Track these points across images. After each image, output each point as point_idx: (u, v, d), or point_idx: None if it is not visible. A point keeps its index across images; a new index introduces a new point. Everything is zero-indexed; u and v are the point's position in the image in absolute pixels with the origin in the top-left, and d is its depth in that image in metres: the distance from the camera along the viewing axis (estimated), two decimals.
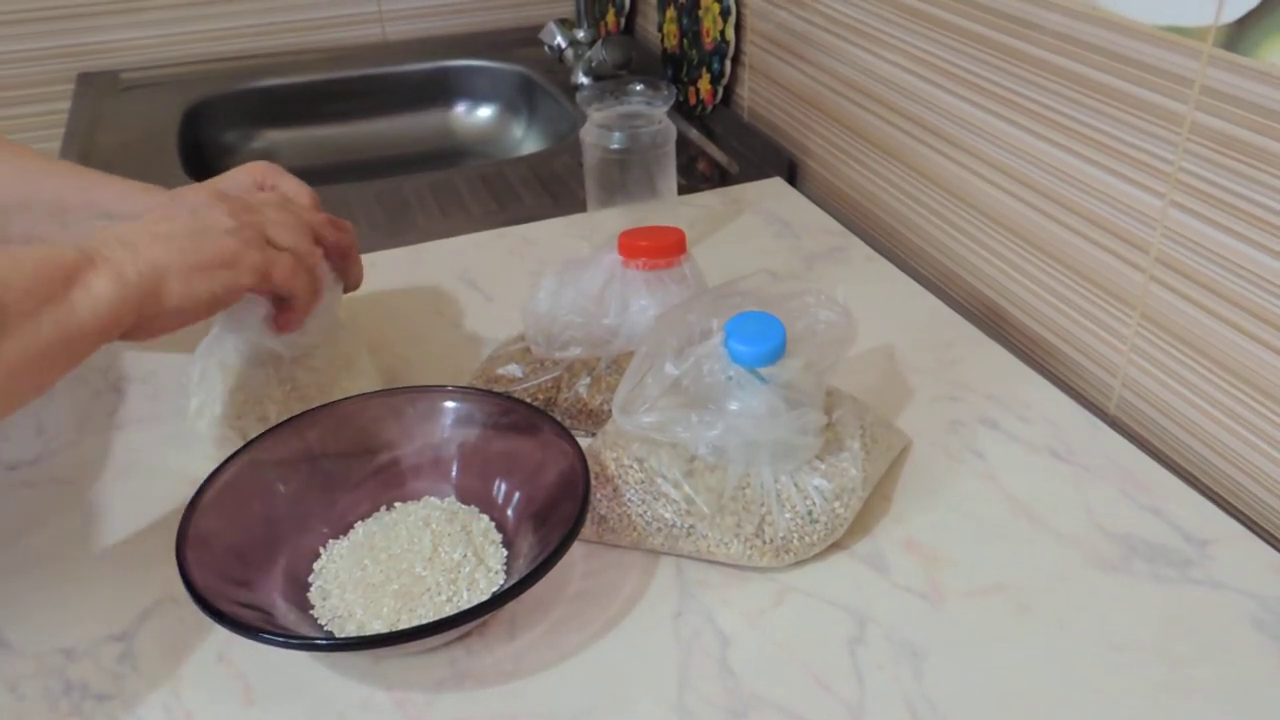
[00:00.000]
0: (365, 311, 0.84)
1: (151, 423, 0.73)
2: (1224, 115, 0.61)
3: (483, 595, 0.56)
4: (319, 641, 0.52)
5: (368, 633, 0.54)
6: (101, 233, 0.56)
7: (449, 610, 0.55)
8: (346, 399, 0.64)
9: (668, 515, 0.59)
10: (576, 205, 1.00)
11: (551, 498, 0.58)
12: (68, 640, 0.56)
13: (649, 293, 0.68)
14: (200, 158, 1.26)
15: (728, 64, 1.17)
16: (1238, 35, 0.59)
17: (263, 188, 0.72)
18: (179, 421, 0.69)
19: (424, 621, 0.54)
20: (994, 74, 0.78)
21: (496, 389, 0.70)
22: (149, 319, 0.56)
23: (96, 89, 1.37)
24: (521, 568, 0.56)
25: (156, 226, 0.58)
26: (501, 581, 0.57)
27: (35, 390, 0.52)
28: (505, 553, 0.59)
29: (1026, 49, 0.75)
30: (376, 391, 0.65)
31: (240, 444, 0.63)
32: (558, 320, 0.68)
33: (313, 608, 0.56)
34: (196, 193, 0.61)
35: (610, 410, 0.62)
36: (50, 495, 0.67)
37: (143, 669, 0.54)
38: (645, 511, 0.59)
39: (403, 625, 0.54)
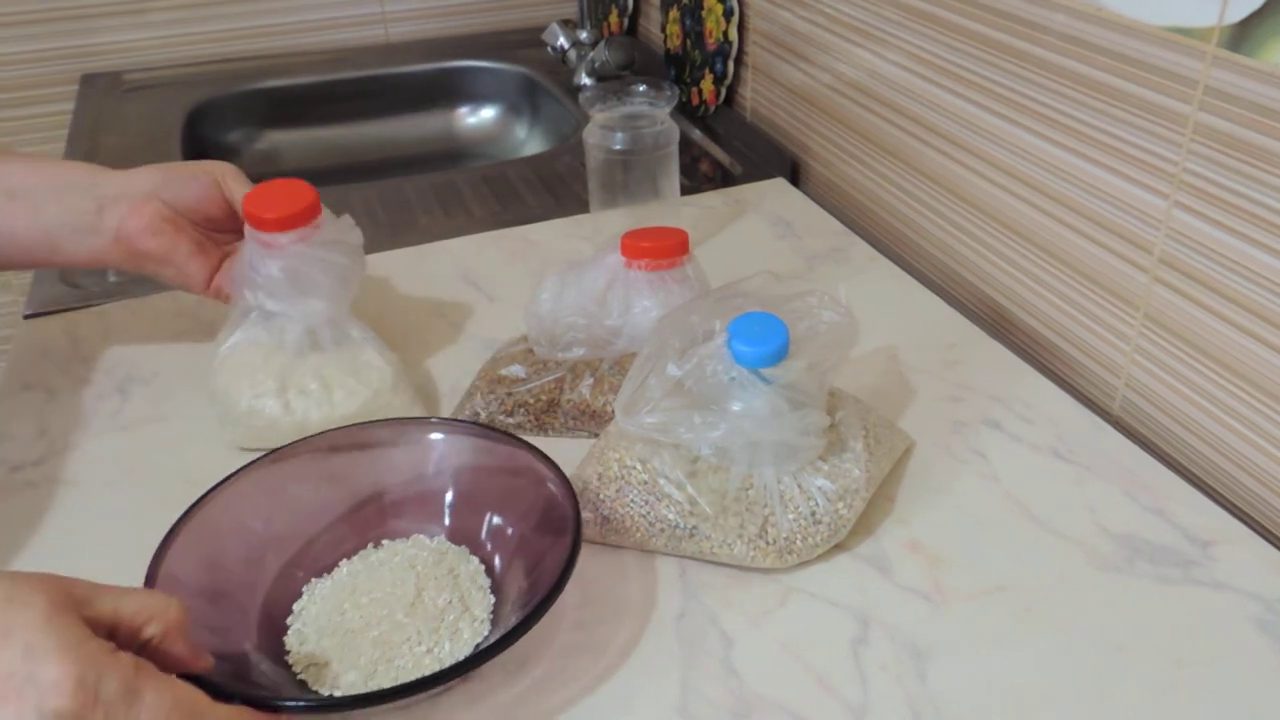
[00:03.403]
0: (367, 312, 0.84)
1: (155, 424, 0.73)
2: (1228, 116, 0.61)
3: (465, 647, 0.54)
4: (288, 703, 0.49)
5: (342, 683, 0.52)
6: None
7: (428, 662, 0.53)
8: (331, 430, 0.62)
9: (671, 516, 0.59)
10: (579, 206, 1.00)
11: (542, 541, 0.56)
12: None
13: (651, 294, 0.68)
14: (203, 159, 1.26)
15: (730, 64, 1.17)
16: (1241, 36, 0.59)
17: (213, 206, 0.67)
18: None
19: (400, 680, 0.51)
20: (997, 74, 0.78)
21: (499, 390, 0.70)
22: None
23: (100, 90, 1.37)
24: (508, 615, 0.54)
25: None
26: (486, 632, 0.55)
27: None
28: (493, 600, 0.57)
29: (1030, 49, 0.75)
30: (364, 423, 0.64)
31: (265, 421, 0.67)
32: (560, 321, 0.68)
33: (288, 653, 0.54)
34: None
35: (613, 411, 0.62)
36: (53, 496, 0.67)
37: None
38: (648, 513, 0.59)
39: (379, 676, 0.52)
